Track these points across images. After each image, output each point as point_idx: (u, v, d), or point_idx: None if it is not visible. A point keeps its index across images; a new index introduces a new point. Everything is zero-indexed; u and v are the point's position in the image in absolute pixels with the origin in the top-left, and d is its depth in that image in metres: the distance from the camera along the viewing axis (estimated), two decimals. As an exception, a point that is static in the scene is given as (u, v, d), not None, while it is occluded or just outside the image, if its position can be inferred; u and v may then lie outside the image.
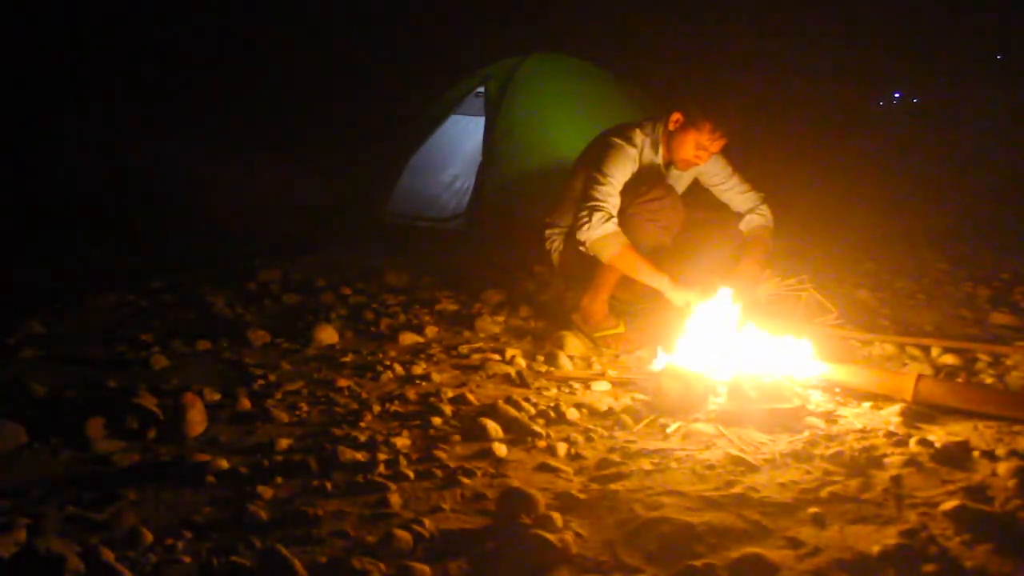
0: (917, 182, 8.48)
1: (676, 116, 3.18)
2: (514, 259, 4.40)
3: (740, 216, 3.43)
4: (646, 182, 3.20)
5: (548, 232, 3.51)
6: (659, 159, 3.31)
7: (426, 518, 1.68)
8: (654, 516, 1.65)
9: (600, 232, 3.01)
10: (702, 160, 3.23)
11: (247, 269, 4.39)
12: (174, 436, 2.16)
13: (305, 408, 2.41)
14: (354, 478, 1.89)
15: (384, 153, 6.07)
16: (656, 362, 2.80)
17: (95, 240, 5.24)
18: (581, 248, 3.11)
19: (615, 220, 3.05)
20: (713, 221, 3.41)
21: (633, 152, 3.21)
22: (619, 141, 3.20)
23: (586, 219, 3.03)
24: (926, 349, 2.98)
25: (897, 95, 19.39)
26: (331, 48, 11.29)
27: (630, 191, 3.16)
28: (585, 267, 3.23)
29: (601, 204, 3.04)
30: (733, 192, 3.44)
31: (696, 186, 3.52)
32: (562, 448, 2.08)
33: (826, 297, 3.40)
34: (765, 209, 3.41)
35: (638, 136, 3.26)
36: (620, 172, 3.14)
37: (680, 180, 3.44)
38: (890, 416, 2.26)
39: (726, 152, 3.33)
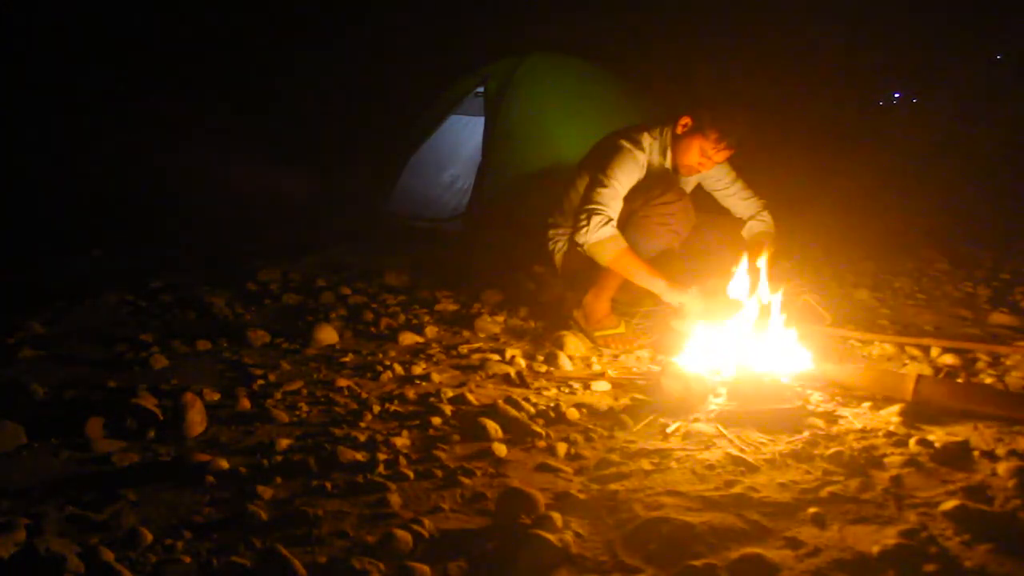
0: (917, 182, 8.47)
1: (685, 120, 3.16)
2: (514, 259, 4.40)
3: (742, 222, 3.43)
4: (659, 185, 3.18)
5: (551, 233, 3.49)
6: (667, 163, 3.29)
7: (426, 518, 1.68)
8: (654, 516, 1.65)
9: (597, 236, 3.00)
10: (705, 168, 3.22)
11: (247, 269, 4.39)
12: (174, 436, 2.16)
13: (305, 408, 2.41)
14: (354, 478, 1.89)
15: (384, 153, 6.07)
16: (657, 362, 2.81)
17: (95, 240, 5.24)
18: (579, 250, 3.11)
19: (613, 223, 3.04)
20: (717, 224, 3.41)
21: (642, 157, 3.17)
22: (628, 145, 3.15)
23: (584, 222, 3.02)
24: (926, 349, 2.98)
25: (897, 95, 19.37)
26: (330, 48, 11.29)
27: (642, 193, 3.15)
28: (587, 268, 3.22)
29: (600, 208, 3.02)
30: (736, 198, 3.43)
31: (698, 190, 3.51)
32: (562, 448, 2.08)
33: (823, 302, 3.39)
34: (767, 215, 3.41)
35: (646, 139, 3.22)
36: (625, 176, 3.10)
37: (687, 184, 3.43)
38: (890, 416, 2.26)
39: (730, 158, 3.33)
